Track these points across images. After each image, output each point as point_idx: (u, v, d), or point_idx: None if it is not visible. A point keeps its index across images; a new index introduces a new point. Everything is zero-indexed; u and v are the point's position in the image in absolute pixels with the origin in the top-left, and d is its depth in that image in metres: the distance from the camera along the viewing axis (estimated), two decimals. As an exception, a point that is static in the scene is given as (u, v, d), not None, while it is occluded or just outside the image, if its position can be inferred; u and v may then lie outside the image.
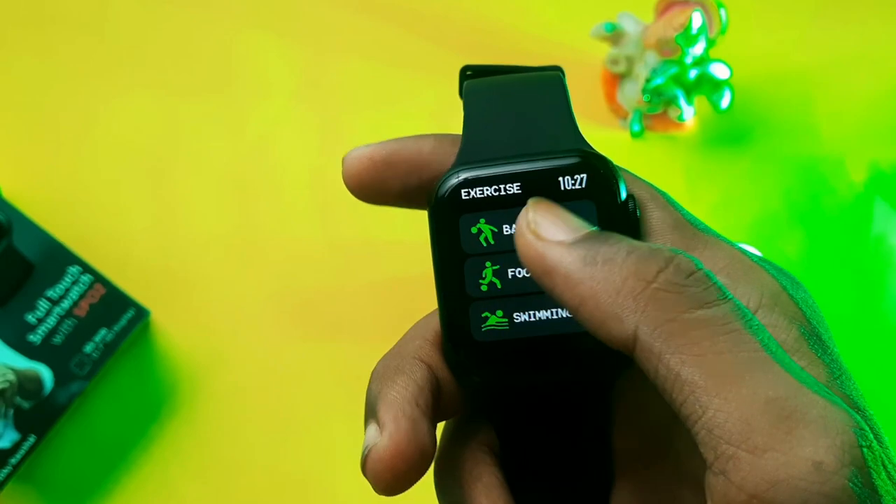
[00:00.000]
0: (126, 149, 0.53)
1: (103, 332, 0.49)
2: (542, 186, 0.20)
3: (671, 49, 0.49)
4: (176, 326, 0.52)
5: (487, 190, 0.20)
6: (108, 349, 0.49)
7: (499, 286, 0.20)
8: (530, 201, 0.19)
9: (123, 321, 0.49)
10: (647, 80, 0.50)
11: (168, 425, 0.51)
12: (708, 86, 0.52)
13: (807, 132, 0.56)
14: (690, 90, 0.52)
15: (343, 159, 0.22)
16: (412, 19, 0.56)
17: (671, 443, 0.21)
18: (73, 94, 0.54)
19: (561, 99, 0.22)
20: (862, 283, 0.55)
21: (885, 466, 0.16)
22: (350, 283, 0.53)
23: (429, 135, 0.22)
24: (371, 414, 0.20)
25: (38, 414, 0.47)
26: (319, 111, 0.55)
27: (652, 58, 0.51)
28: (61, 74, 0.54)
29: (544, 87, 0.22)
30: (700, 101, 0.53)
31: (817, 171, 0.56)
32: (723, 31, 0.50)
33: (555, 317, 0.20)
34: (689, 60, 0.50)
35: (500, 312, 0.20)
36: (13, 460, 0.46)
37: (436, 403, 0.20)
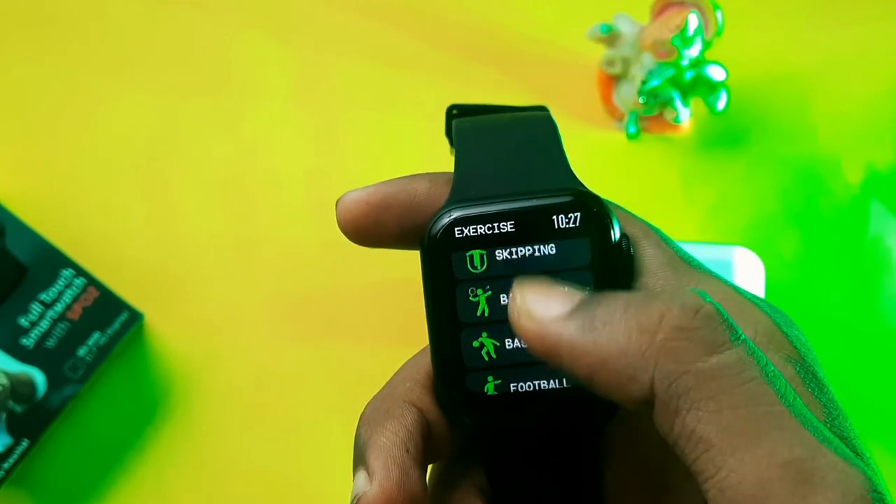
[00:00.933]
0: (120, 151, 0.53)
1: (97, 335, 0.48)
2: (535, 225, 0.20)
3: (667, 51, 0.49)
4: (170, 329, 0.51)
5: (481, 228, 0.20)
6: (102, 352, 0.48)
7: (496, 347, 0.20)
8: (515, 282, 0.19)
9: (117, 324, 0.49)
10: (644, 82, 0.50)
11: (163, 429, 0.50)
12: (704, 87, 0.51)
13: (803, 133, 0.56)
14: (687, 92, 0.52)
15: (337, 203, 0.22)
16: (409, 21, 0.56)
17: (665, 478, 0.21)
18: (67, 96, 0.53)
19: (552, 137, 0.22)
20: (859, 285, 0.55)
21: None
22: (346, 284, 0.53)
23: (423, 175, 0.22)
24: (360, 460, 0.20)
25: (31, 418, 0.47)
26: (316, 113, 0.55)
27: (648, 59, 0.51)
28: (54, 75, 0.54)
29: (535, 126, 0.22)
30: (696, 102, 0.53)
31: (814, 172, 0.56)
32: (719, 33, 0.50)
33: (551, 385, 0.20)
34: (685, 62, 0.50)
35: (494, 377, 0.20)
36: (6, 465, 0.46)
37: (426, 448, 0.20)
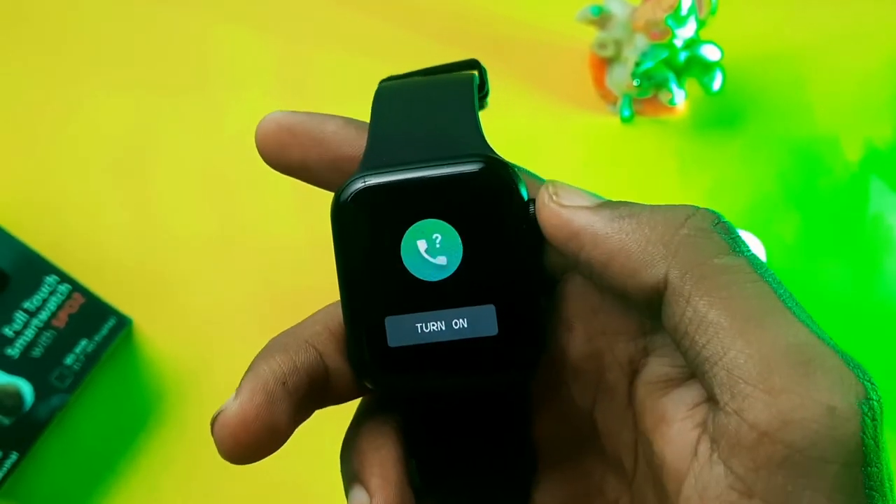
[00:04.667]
0: (100, 151, 0.52)
1: (84, 342, 0.47)
2: (443, 192, 0.20)
3: (660, 31, 0.48)
4: (159, 333, 0.50)
5: (389, 195, 0.20)
6: (90, 360, 0.47)
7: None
8: (546, 182, 0.20)
9: (104, 330, 0.48)
10: (637, 64, 0.49)
11: (155, 435, 0.49)
12: (698, 68, 0.50)
13: (800, 112, 0.55)
14: (681, 73, 0.51)
15: (262, 119, 0.22)
16: (391, 7, 0.55)
17: (594, 426, 0.22)
18: (42, 97, 0.52)
19: (466, 100, 0.22)
20: (860, 264, 0.54)
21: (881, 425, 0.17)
22: (334, 281, 0.51)
23: (337, 116, 0.22)
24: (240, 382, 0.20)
25: (19, 430, 0.46)
26: (298, 105, 0.53)
27: (641, 41, 0.49)
28: (28, 76, 0.52)
29: (451, 88, 0.22)
30: (691, 83, 0.52)
31: (812, 151, 0.55)
32: (713, 12, 0.49)
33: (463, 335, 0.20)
34: (679, 43, 0.49)
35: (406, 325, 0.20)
36: (-5, 479, 0.45)
37: (315, 391, 0.20)
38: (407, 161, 0.21)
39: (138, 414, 0.49)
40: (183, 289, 0.51)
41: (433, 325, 0.20)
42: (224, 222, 0.52)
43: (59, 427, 0.48)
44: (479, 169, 0.20)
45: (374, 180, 0.20)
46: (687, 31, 0.49)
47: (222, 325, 0.51)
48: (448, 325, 0.20)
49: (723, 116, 0.55)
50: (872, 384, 0.17)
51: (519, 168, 0.21)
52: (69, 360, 0.47)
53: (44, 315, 0.47)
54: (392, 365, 0.20)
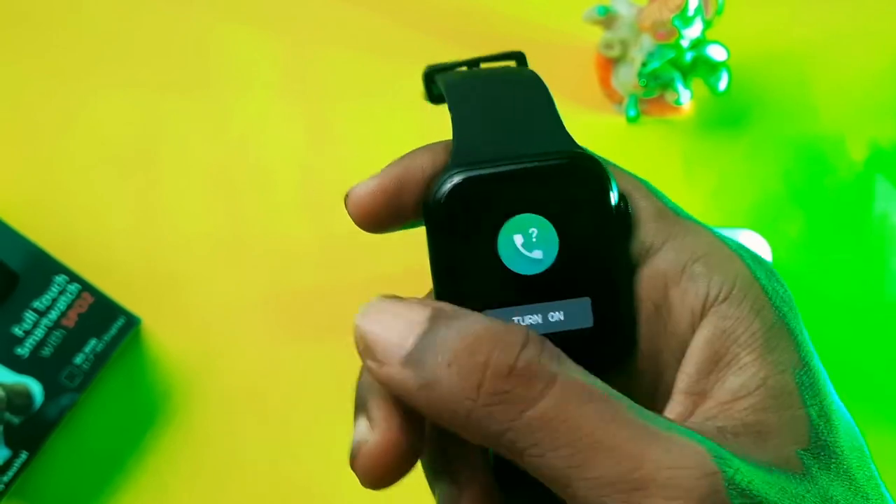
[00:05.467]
0: (107, 150, 0.52)
1: (93, 342, 0.47)
2: (535, 188, 0.20)
3: (667, 31, 0.48)
4: (167, 332, 0.50)
5: (482, 191, 0.20)
6: (99, 359, 0.47)
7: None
8: (359, 310, 0.19)
9: (114, 330, 0.48)
10: (644, 64, 0.49)
11: (163, 434, 0.49)
12: (705, 68, 0.51)
13: (805, 112, 0.55)
14: (687, 73, 0.51)
15: (347, 198, 0.21)
16: (397, 7, 0.55)
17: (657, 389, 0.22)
18: (50, 95, 0.52)
19: (546, 97, 0.22)
20: (865, 263, 0.54)
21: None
22: (343, 280, 0.52)
23: (421, 149, 0.22)
24: (362, 408, 0.20)
25: (29, 429, 0.46)
26: (304, 104, 0.54)
27: (647, 41, 0.50)
28: (34, 75, 0.52)
29: (529, 86, 0.23)
30: (696, 83, 0.52)
31: (817, 150, 0.55)
32: (719, 12, 0.49)
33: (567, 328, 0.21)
34: (685, 43, 0.49)
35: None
36: (5, 478, 0.45)
37: None
38: (497, 157, 0.21)
39: (147, 413, 0.50)
40: (192, 288, 0.51)
41: (530, 318, 0.20)
42: (232, 222, 0.52)
43: (69, 426, 0.48)
44: (572, 163, 0.20)
45: (468, 175, 0.20)
46: (693, 32, 0.49)
47: (231, 325, 0.51)
48: (545, 318, 0.20)
49: (728, 116, 0.55)
50: (721, 457, 0.17)
51: (604, 160, 0.21)
52: (78, 359, 0.47)
53: (53, 314, 0.47)
54: None
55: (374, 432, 0.19)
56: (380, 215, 0.21)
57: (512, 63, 0.24)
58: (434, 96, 0.25)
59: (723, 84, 0.50)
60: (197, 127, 0.53)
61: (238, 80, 0.54)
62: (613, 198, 0.20)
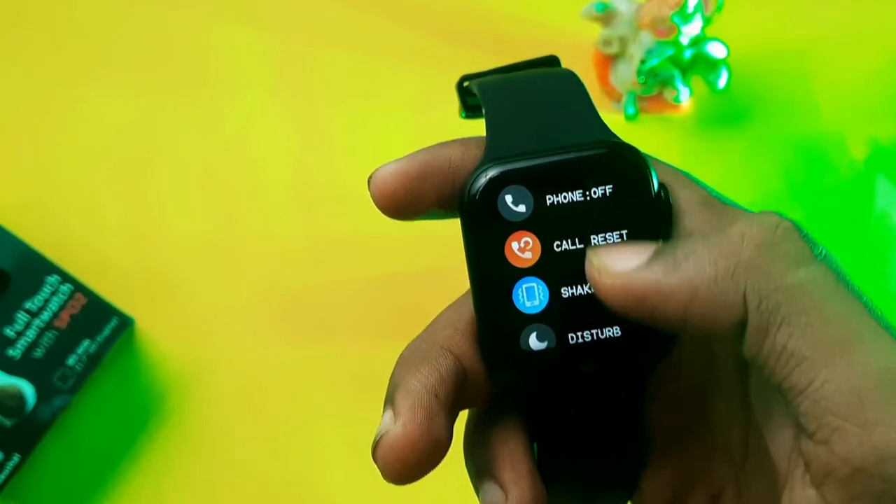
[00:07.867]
0: (100, 150, 0.51)
1: (86, 343, 0.47)
2: (575, 178, 0.20)
3: (666, 28, 0.48)
4: (161, 333, 0.50)
5: (519, 183, 0.20)
6: (92, 361, 0.47)
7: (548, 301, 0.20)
8: (588, 250, 0.20)
9: (107, 331, 0.47)
10: (643, 62, 0.49)
11: (157, 436, 0.49)
12: (704, 65, 0.50)
13: (805, 110, 0.55)
14: (686, 70, 0.50)
15: (371, 179, 0.21)
16: (394, 6, 0.54)
17: (705, 414, 0.22)
18: (45, 96, 0.51)
19: (580, 91, 0.22)
20: (866, 262, 0.54)
21: None
22: (338, 280, 0.51)
23: (454, 141, 0.22)
24: (389, 400, 0.20)
25: (21, 431, 0.45)
26: (298, 104, 0.53)
27: (646, 38, 0.49)
28: (26, 76, 0.52)
29: (563, 81, 0.22)
30: (696, 81, 0.52)
31: (817, 148, 0.55)
32: (719, 9, 0.48)
33: (608, 334, 0.20)
34: (684, 40, 0.48)
35: (546, 330, 0.20)
36: (-3, 481, 0.45)
37: (458, 395, 0.20)
38: (532, 150, 0.20)
39: (141, 414, 0.49)
40: (185, 288, 0.50)
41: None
42: (226, 222, 0.51)
43: (61, 428, 0.48)
44: (612, 152, 0.20)
45: (505, 168, 0.20)
46: (693, 29, 0.48)
47: (225, 326, 0.50)
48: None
49: (728, 114, 0.55)
50: None
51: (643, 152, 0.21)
52: (71, 360, 0.46)
53: (45, 315, 0.46)
54: (529, 366, 0.20)
55: (396, 423, 0.19)
56: (400, 198, 0.21)
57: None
58: (468, 106, 0.24)
59: (722, 82, 0.50)
60: (190, 127, 0.52)
61: (232, 81, 0.53)
62: (654, 186, 0.20)
